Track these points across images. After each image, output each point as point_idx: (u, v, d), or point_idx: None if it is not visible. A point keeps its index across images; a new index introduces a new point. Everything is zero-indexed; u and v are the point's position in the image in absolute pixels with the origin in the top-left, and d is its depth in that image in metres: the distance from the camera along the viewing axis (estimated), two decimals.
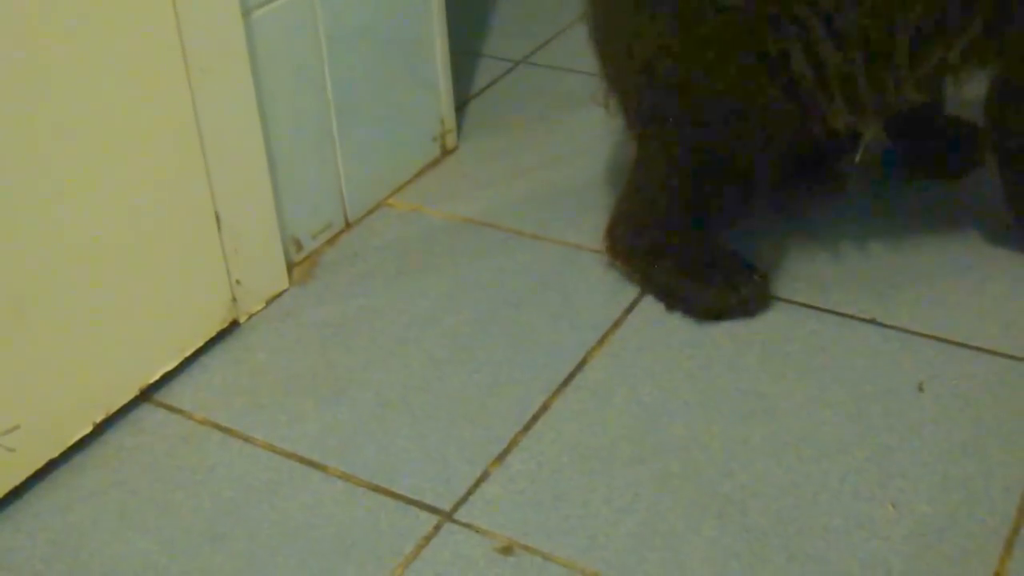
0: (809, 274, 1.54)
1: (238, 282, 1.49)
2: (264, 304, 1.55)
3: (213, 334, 1.49)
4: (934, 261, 1.55)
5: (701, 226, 1.49)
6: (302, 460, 1.33)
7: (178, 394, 1.43)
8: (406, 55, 1.72)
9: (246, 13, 1.44)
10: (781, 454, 1.29)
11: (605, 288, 1.54)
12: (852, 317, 1.46)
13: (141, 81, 1.32)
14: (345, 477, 1.30)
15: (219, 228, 1.45)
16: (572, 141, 1.86)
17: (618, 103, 1.51)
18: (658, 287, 1.50)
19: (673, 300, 1.48)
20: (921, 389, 1.35)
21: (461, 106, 1.97)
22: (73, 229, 1.29)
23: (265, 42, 1.48)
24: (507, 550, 1.21)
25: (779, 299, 1.50)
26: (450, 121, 1.83)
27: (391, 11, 1.67)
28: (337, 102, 1.61)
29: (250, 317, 1.53)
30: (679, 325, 1.48)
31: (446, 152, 1.84)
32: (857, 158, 1.51)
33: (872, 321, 1.45)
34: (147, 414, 1.40)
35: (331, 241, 1.66)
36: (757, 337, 1.45)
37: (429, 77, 1.77)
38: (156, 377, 1.42)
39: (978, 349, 1.40)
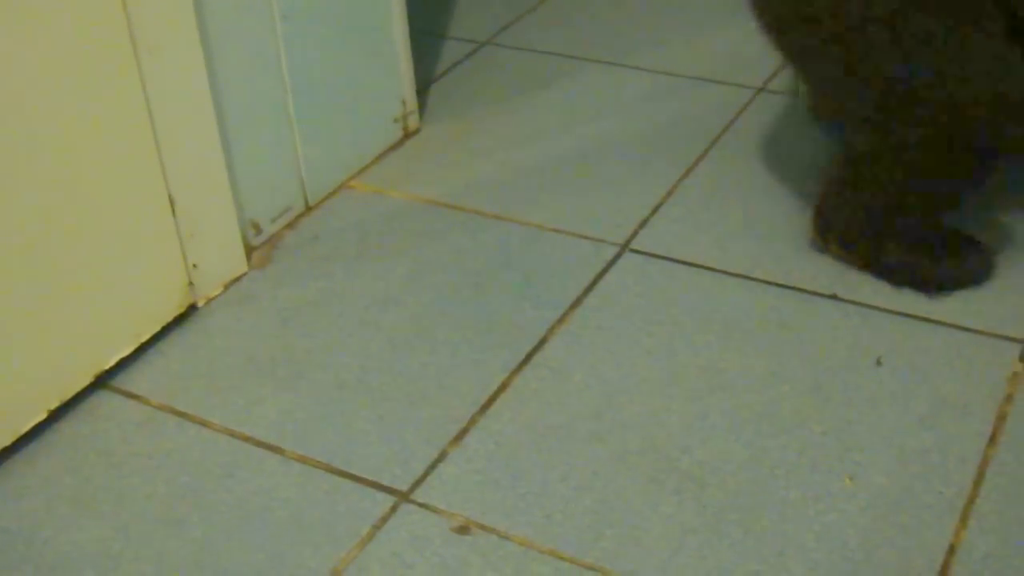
0: (770, 251, 1.54)
1: (195, 266, 1.48)
2: (223, 288, 1.54)
3: (170, 319, 1.48)
4: None
5: (933, 207, 1.48)
6: (259, 443, 1.32)
7: (135, 380, 1.42)
8: (365, 36, 1.71)
9: None
10: (739, 430, 1.29)
11: (565, 268, 1.53)
12: (812, 293, 1.46)
13: (87, 61, 1.31)
14: (302, 460, 1.29)
15: (174, 212, 1.44)
16: (534, 122, 1.85)
17: (822, 83, 1.51)
18: (888, 267, 1.48)
19: (904, 277, 1.48)
20: (879, 363, 1.35)
21: (424, 87, 1.96)
22: (21, 214, 1.28)
23: (217, 21, 1.47)
24: (464, 529, 1.20)
25: (739, 276, 1.50)
26: (412, 103, 1.82)
27: None
28: (294, 83, 1.60)
29: (208, 301, 1.52)
30: (638, 304, 1.47)
31: (408, 134, 1.83)
32: None
33: (832, 297, 1.45)
34: (103, 400, 1.39)
35: (291, 224, 1.65)
36: (717, 314, 1.44)
37: (389, 58, 1.76)
38: (112, 363, 1.41)
39: (936, 322, 1.40)
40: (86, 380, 1.39)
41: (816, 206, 1.52)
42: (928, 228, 1.48)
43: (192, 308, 1.50)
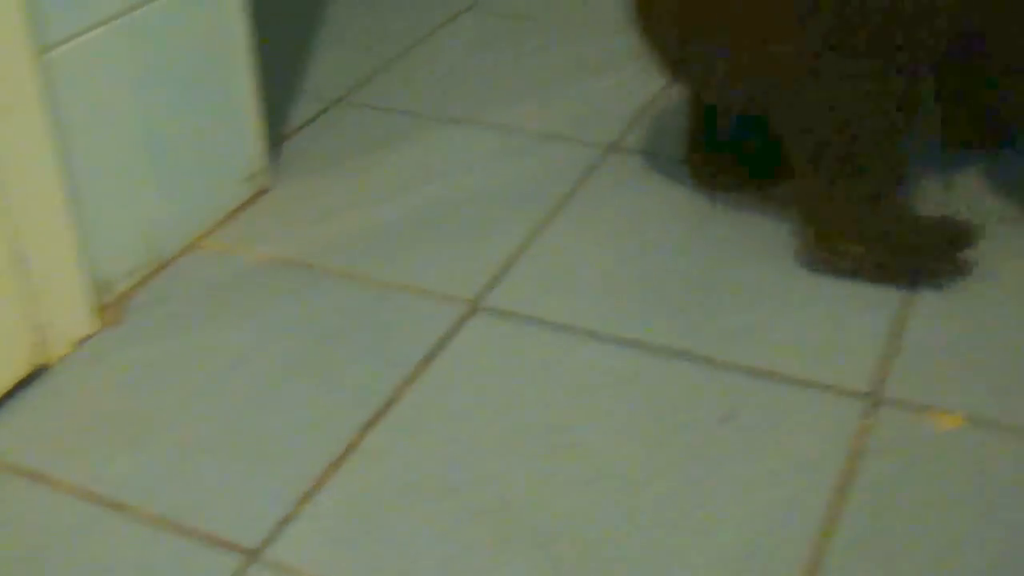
0: (620, 307, 1.57)
1: (44, 325, 1.47)
2: (72, 347, 1.53)
3: (18, 379, 1.46)
4: (747, 288, 1.59)
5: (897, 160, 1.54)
6: (107, 503, 1.31)
7: None
8: (214, 95, 1.71)
9: (44, 51, 1.42)
10: (588, 488, 1.30)
11: (415, 326, 1.55)
12: (662, 349, 1.49)
13: None
14: (150, 519, 1.28)
15: (21, 270, 1.43)
16: (386, 180, 1.87)
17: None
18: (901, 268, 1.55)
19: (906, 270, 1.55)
20: (727, 420, 1.38)
21: (277, 144, 1.97)
22: None
23: (65, 80, 1.47)
24: None
25: (588, 333, 1.53)
26: (262, 161, 1.83)
27: (198, 51, 1.67)
28: (144, 143, 1.60)
29: (58, 360, 1.51)
30: (488, 362, 1.49)
31: (259, 192, 1.83)
32: None
33: (683, 353, 1.48)
34: None
35: (141, 283, 1.64)
36: (566, 372, 1.46)
37: (239, 117, 1.77)
38: None
39: (784, 377, 1.43)
40: None
41: (803, 217, 1.57)
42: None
43: (41, 367, 1.49)
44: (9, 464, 1.36)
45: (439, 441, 1.37)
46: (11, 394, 1.45)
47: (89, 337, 1.55)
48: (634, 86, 2.12)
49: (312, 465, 1.34)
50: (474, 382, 1.46)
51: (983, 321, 1.51)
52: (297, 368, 1.49)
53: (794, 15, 1.45)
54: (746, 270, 1.62)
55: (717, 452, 1.34)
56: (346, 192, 1.84)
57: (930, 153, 1.80)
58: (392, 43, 2.34)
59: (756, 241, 1.67)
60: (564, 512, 1.27)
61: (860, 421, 1.37)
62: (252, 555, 1.23)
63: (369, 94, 2.15)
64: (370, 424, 1.39)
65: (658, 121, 2.00)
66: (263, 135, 1.83)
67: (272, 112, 2.02)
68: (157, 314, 1.59)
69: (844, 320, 1.52)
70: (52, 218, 1.46)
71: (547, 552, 1.22)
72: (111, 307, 1.59)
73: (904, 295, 1.55)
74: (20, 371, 1.46)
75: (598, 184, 1.83)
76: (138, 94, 1.57)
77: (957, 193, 1.72)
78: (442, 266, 1.66)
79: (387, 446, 1.37)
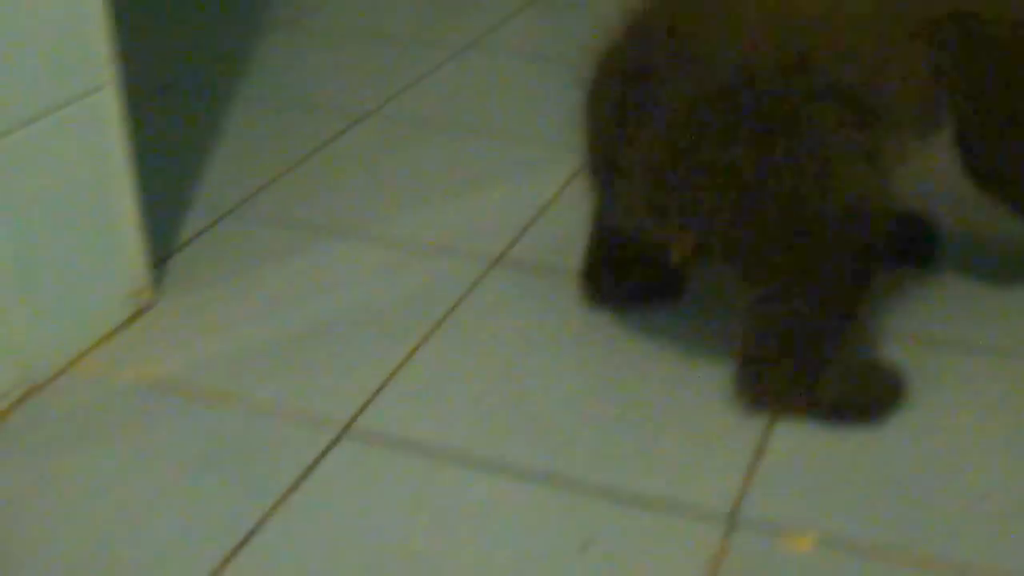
0: (491, 429, 1.57)
1: None
2: None
3: None
4: (617, 410, 1.59)
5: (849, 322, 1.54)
6: None
7: None
8: (93, 214, 1.71)
9: None
10: None
11: (284, 450, 1.54)
12: (526, 474, 1.49)
13: None
14: None
15: None
16: (270, 297, 1.87)
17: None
18: (829, 404, 1.53)
19: (847, 409, 1.54)
20: (586, 547, 1.38)
21: (166, 258, 1.97)
22: None
23: None
24: None
25: (456, 457, 1.53)
26: (145, 278, 1.82)
27: (75, 171, 1.67)
28: (18, 263, 1.60)
29: None
30: (355, 488, 1.48)
31: (142, 309, 1.83)
32: None
33: (549, 477, 1.48)
34: None
35: (15, 405, 1.63)
36: (431, 498, 1.46)
37: (120, 235, 1.76)
38: None
39: (644, 501, 1.44)
40: None
41: (741, 362, 1.56)
42: (845, 353, 1.53)
43: None
44: None
45: (301, 570, 1.36)
46: None
47: None
48: (527, 197, 2.13)
49: None
50: (338, 510, 1.45)
51: (843, 443, 1.53)
52: (160, 497, 1.48)
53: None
54: (619, 393, 1.63)
55: None
56: (229, 309, 1.84)
57: None
58: (290, 151, 2.34)
59: (633, 362, 1.68)
60: None
61: (719, 543, 1.38)
62: None
63: (262, 205, 2.16)
64: (231, 556, 1.38)
65: (548, 233, 2.01)
66: (146, 252, 1.83)
67: (162, 225, 2.03)
68: (26, 440, 1.57)
69: (708, 442, 1.53)
70: None
71: None
72: None
73: (768, 417, 1.57)
74: None
75: (481, 300, 1.84)
76: (8, 217, 1.57)
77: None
78: (315, 388, 1.66)
79: None
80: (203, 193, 2.21)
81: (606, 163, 1.57)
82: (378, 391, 1.64)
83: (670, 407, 1.59)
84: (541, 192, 2.14)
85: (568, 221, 2.00)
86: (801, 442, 1.53)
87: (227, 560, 1.38)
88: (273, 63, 2.79)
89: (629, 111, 1.53)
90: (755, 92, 1.46)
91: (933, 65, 1.58)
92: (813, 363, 1.52)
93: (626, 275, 1.77)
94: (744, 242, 1.49)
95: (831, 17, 1.52)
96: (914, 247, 1.87)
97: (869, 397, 1.56)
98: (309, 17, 3.08)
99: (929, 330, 1.74)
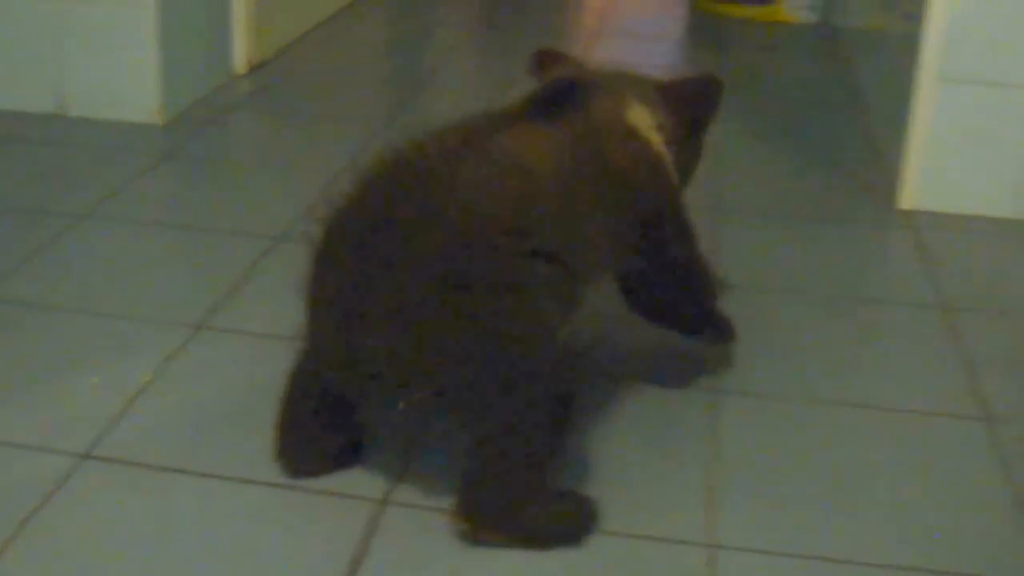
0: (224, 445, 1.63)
1: None
2: None
3: None
4: None
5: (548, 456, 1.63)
6: None
7: None
8: None
9: None
10: None
11: (19, 481, 1.60)
12: None
13: None
14: None
15: None
16: None
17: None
18: (536, 531, 1.60)
19: (552, 535, 1.60)
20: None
21: None
22: None
23: None
24: None
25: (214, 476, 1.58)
26: None
27: None
28: None
29: None
30: (95, 514, 1.54)
31: None
32: None
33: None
34: None
35: None
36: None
37: None
38: None
39: None
40: None
41: (461, 494, 1.59)
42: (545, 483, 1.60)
43: None
44: None
45: None
46: None
47: None
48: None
49: None
50: (79, 536, 1.51)
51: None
52: None
53: None
54: None
55: None
56: None
57: None
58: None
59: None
60: None
61: None
62: None
63: None
64: None
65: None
66: None
67: None
68: None
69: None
70: None
71: None
72: None
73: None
74: None
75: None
76: None
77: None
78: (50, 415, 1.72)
79: None
80: None
81: (341, 313, 1.58)
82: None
83: None
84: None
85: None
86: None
87: None
88: None
89: (364, 265, 1.57)
90: (476, 251, 1.55)
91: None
92: (519, 497, 1.60)
93: (320, 437, 1.75)
94: (459, 389, 1.55)
95: (543, 180, 1.65)
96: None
97: (569, 524, 1.64)
98: None
99: None
